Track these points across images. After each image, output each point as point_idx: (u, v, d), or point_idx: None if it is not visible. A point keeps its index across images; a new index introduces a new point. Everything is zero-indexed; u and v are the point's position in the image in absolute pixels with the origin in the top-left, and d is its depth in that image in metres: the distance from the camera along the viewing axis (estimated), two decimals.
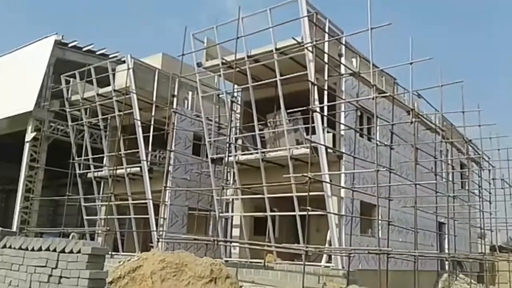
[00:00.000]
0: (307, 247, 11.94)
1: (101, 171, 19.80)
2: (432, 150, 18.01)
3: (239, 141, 16.54)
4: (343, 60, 14.71)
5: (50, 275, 6.64)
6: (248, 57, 14.68)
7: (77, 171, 20.02)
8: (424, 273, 16.34)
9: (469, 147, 22.58)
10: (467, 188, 22.19)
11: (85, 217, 19.78)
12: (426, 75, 15.01)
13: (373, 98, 12.72)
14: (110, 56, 24.28)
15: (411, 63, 13.32)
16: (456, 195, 18.45)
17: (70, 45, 23.99)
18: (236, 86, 16.73)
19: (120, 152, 17.82)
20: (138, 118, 17.75)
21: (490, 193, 21.02)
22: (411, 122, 14.85)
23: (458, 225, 18.22)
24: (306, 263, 11.91)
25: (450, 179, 20.00)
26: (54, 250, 6.74)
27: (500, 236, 23.93)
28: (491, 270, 22.21)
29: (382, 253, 11.76)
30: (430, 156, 17.32)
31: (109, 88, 18.90)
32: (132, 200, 17.87)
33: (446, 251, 18.55)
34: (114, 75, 19.09)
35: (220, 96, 17.77)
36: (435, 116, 19.72)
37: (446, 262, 18.35)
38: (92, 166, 19.95)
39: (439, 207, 16.83)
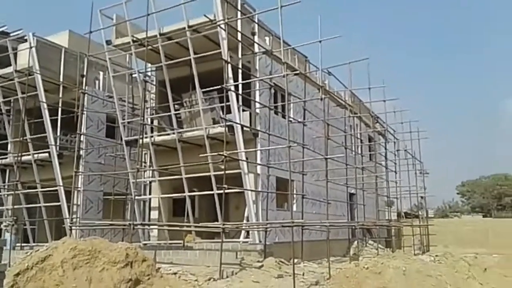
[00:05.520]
0: (224, 225, 12.13)
1: (5, 158, 18.48)
2: (342, 125, 18.96)
3: (155, 122, 16.21)
4: (256, 38, 14.84)
5: None
6: (160, 34, 14.33)
7: None
8: (337, 242, 17.34)
9: (376, 121, 24.05)
10: (374, 160, 23.73)
11: None
12: (338, 55, 15.68)
13: (284, 76, 13.01)
14: (11, 34, 22.29)
15: (320, 41, 13.80)
16: (365, 166, 19.70)
17: None
18: (149, 65, 16.31)
19: (25, 137, 16.73)
20: (44, 100, 16.74)
21: (395, 164, 22.67)
22: (321, 99, 15.46)
23: (367, 195, 19.49)
24: (225, 240, 12.09)
25: (359, 152, 21.29)
26: None
27: (404, 203, 25.95)
28: (397, 235, 24.11)
29: (296, 225, 12.23)
30: (340, 131, 18.24)
31: (10, 69, 17.63)
32: (42, 187, 16.96)
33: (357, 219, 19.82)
34: (15, 54, 17.71)
35: (133, 75, 17.18)
36: (345, 92, 20.72)
37: (357, 230, 19.59)
38: None
39: (350, 179, 17.82)
